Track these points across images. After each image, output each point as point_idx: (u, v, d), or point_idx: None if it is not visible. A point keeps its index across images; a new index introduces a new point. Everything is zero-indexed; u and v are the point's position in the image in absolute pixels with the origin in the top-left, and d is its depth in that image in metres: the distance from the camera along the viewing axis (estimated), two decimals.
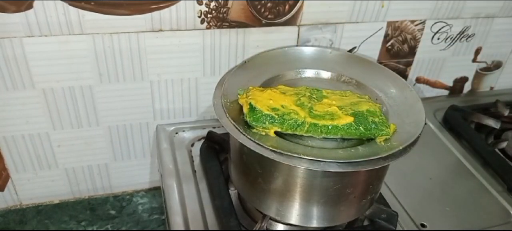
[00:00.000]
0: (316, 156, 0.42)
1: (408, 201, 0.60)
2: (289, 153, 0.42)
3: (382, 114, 0.48)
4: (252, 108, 0.46)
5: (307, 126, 0.46)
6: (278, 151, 0.42)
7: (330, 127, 0.46)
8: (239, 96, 0.50)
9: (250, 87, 0.51)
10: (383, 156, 0.43)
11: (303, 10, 0.64)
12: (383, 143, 0.46)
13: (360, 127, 0.46)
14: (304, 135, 0.46)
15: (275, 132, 0.46)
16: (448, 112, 0.78)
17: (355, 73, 0.58)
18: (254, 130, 0.46)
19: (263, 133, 0.45)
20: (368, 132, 0.46)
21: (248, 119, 0.46)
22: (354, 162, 0.42)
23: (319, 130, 0.46)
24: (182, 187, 0.60)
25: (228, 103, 0.49)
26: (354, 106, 0.48)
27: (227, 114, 0.47)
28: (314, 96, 0.50)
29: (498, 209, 0.61)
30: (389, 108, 0.52)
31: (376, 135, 0.46)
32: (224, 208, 0.54)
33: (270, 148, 0.42)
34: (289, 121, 0.45)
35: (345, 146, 0.46)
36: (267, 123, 0.45)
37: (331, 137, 0.46)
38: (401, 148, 0.44)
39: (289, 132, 0.46)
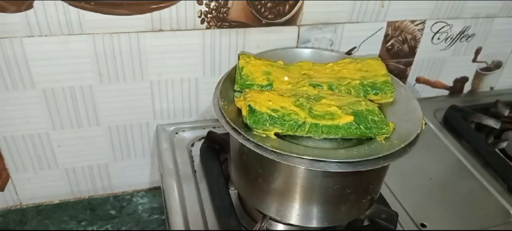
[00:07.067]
0: (317, 156, 0.42)
1: (408, 201, 0.60)
2: (289, 153, 0.42)
3: (380, 113, 0.48)
4: (252, 110, 0.45)
5: (307, 126, 0.45)
6: (278, 151, 0.42)
7: (331, 127, 0.45)
8: (236, 98, 0.49)
9: (247, 90, 0.50)
10: (384, 154, 0.43)
11: (303, 10, 0.64)
12: (384, 142, 0.46)
13: (361, 126, 0.46)
14: (304, 135, 0.46)
15: (275, 134, 0.45)
16: (448, 112, 0.78)
17: None
18: (254, 132, 0.45)
19: (264, 135, 0.45)
20: (369, 130, 0.46)
21: (248, 121, 0.45)
22: (354, 162, 0.42)
23: (320, 130, 0.45)
24: (182, 187, 0.60)
25: (226, 106, 0.48)
26: (353, 106, 0.48)
27: (226, 117, 0.46)
28: (312, 97, 0.50)
29: (498, 209, 0.61)
30: (384, 108, 0.52)
31: (377, 133, 0.46)
32: (224, 208, 0.54)
33: (271, 148, 0.42)
34: (290, 122, 0.45)
35: (345, 147, 0.46)
36: (267, 124, 0.45)
37: (332, 137, 0.46)
38: (403, 145, 0.44)
39: (290, 133, 0.45)
